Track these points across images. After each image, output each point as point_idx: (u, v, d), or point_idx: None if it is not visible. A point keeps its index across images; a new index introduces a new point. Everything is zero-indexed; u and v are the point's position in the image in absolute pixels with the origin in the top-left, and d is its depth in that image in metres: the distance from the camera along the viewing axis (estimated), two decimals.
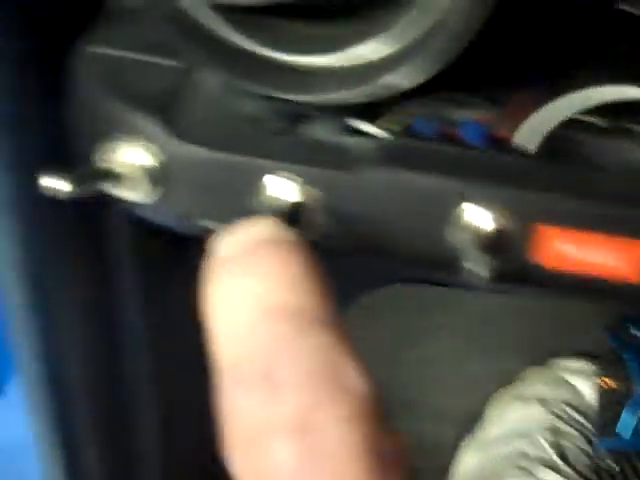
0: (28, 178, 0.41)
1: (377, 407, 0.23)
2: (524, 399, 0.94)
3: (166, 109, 0.37)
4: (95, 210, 0.48)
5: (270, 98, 0.35)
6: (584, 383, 0.96)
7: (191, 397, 0.74)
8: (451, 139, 0.39)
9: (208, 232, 0.38)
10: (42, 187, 0.36)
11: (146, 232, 0.52)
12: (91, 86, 0.38)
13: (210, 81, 0.38)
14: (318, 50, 0.34)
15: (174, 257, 0.58)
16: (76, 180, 0.34)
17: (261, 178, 0.35)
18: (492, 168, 0.35)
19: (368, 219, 0.35)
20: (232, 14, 0.34)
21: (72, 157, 0.42)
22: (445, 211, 0.34)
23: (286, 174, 0.35)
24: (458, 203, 0.34)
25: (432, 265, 0.37)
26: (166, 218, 0.38)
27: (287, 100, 0.35)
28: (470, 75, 0.37)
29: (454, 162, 0.35)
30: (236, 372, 0.24)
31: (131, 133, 0.37)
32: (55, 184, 0.34)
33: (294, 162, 0.35)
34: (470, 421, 1.03)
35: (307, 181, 0.35)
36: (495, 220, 0.34)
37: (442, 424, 1.05)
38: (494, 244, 0.34)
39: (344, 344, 0.24)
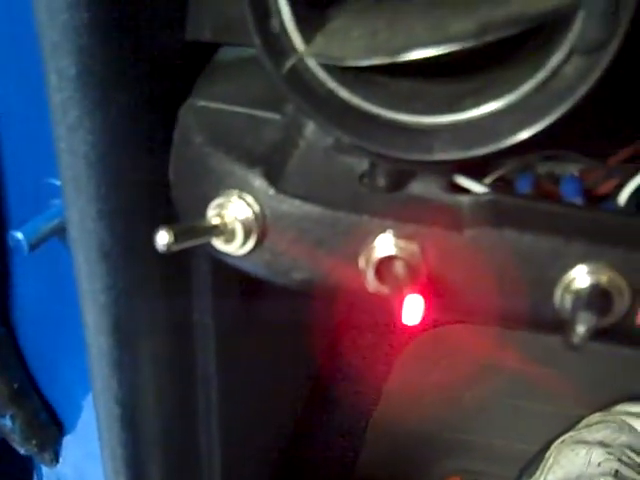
0: (124, 226, 0.42)
1: None
2: (587, 443, 0.93)
3: (268, 162, 0.37)
4: (180, 260, 0.48)
5: (375, 154, 0.35)
6: None
7: (253, 442, 0.74)
8: (551, 196, 0.39)
9: (298, 283, 0.38)
10: (144, 238, 0.36)
11: (226, 283, 0.53)
12: (197, 139, 0.38)
13: (315, 136, 0.38)
14: (433, 110, 0.34)
15: (248, 310, 0.59)
16: (179, 233, 0.34)
17: (364, 235, 0.35)
18: (604, 229, 0.34)
19: (472, 278, 0.35)
20: (344, 72, 0.34)
21: (173, 207, 0.42)
22: (557, 272, 0.34)
23: (390, 231, 0.35)
24: (571, 265, 0.34)
25: (536, 324, 0.36)
26: (258, 268, 0.38)
27: (392, 157, 0.35)
28: (569, 130, 0.37)
29: (566, 223, 0.34)
30: None
31: (232, 185, 0.37)
32: (159, 237, 0.34)
33: (398, 220, 0.35)
34: (528, 463, 1.02)
35: (410, 238, 0.35)
36: (606, 282, 0.34)
37: (499, 465, 1.04)
38: (602, 306, 0.34)
39: None
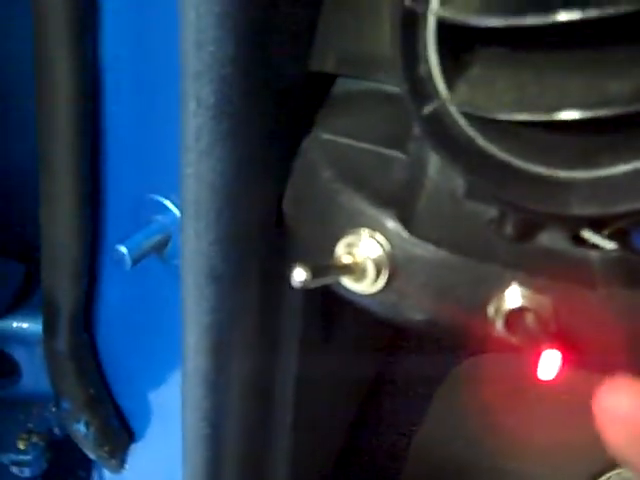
0: (236, 253, 0.42)
1: None
2: None
3: (398, 203, 0.37)
4: (275, 288, 0.48)
5: (510, 205, 0.35)
6: None
7: (315, 460, 0.75)
8: None
9: (423, 326, 0.38)
10: (251, 265, 0.37)
11: (312, 311, 0.53)
12: (325, 173, 0.39)
13: (439, 176, 0.38)
14: (569, 164, 0.34)
15: (327, 341, 0.59)
16: (314, 271, 0.35)
17: (495, 284, 0.35)
18: None
19: (604, 335, 0.35)
20: (482, 120, 0.34)
21: (279, 236, 0.43)
22: None
23: (522, 282, 0.35)
24: None
25: None
26: (383, 308, 0.39)
27: (528, 208, 0.35)
28: None
29: None
30: None
31: (363, 224, 0.37)
32: (296, 274, 0.34)
33: (531, 272, 0.35)
34: None
35: (542, 290, 0.35)
36: None
37: None
38: None
39: None
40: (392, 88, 0.43)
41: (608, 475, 0.95)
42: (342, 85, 0.44)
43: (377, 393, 1.06)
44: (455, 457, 1.04)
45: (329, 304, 0.54)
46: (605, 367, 0.35)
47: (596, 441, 0.90)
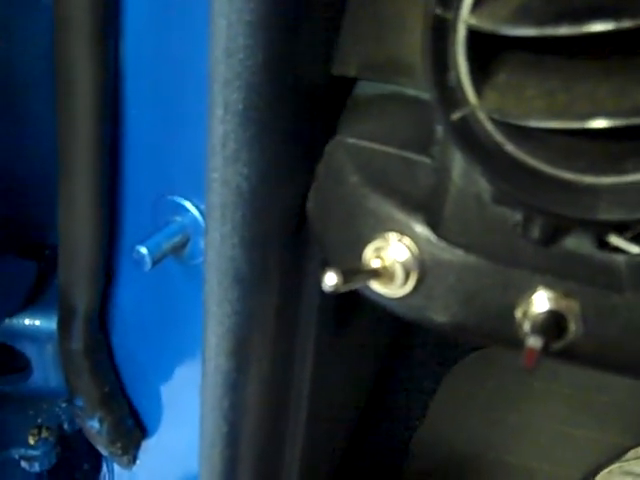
0: (260, 255, 0.43)
1: None
2: (635, 475, 0.93)
3: (426, 207, 0.38)
4: (293, 291, 0.49)
5: (537, 209, 0.36)
6: None
7: (326, 453, 0.75)
8: None
9: (450, 329, 0.38)
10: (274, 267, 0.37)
11: (327, 317, 0.54)
12: (352, 178, 0.39)
13: (463, 180, 0.38)
14: (595, 169, 0.35)
15: (338, 340, 0.60)
16: (345, 275, 0.35)
17: (523, 288, 0.36)
18: None
19: (627, 337, 0.36)
20: (509, 126, 0.35)
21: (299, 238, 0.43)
22: None
23: (550, 286, 0.35)
24: None
25: None
26: (411, 312, 0.39)
27: (555, 213, 0.36)
28: None
29: None
30: None
31: (391, 229, 0.38)
32: (327, 278, 0.34)
33: (558, 276, 0.35)
34: None
35: (570, 294, 0.35)
36: None
37: None
38: None
39: None
40: (414, 92, 0.43)
41: (610, 468, 0.96)
42: (364, 89, 0.44)
43: (382, 388, 1.07)
44: (459, 450, 1.05)
45: (342, 303, 0.55)
46: (625, 367, 0.35)
47: (598, 435, 0.90)
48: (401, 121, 0.41)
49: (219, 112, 0.38)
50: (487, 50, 0.36)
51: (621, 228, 0.38)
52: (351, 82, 0.46)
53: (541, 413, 1.06)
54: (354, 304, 0.58)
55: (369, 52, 0.43)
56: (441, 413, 1.07)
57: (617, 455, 0.97)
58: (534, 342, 0.32)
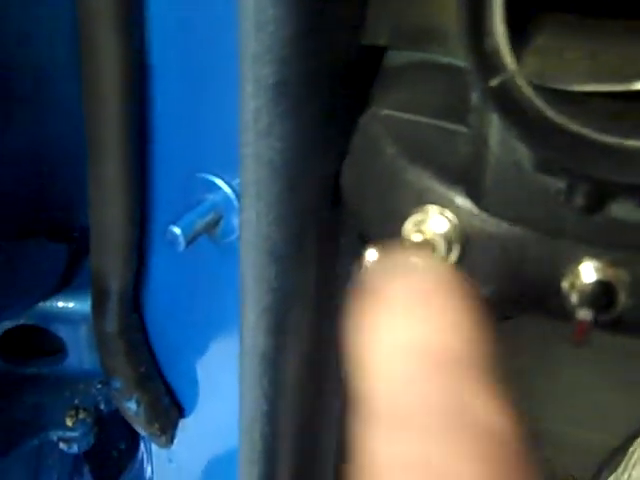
0: (297, 231, 0.42)
1: (510, 447, 0.22)
2: None
3: (466, 178, 0.37)
4: (332, 267, 0.48)
5: (583, 176, 0.35)
6: None
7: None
8: None
9: (495, 299, 0.38)
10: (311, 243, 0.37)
11: None
12: (389, 150, 0.38)
13: (501, 149, 0.37)
14: None
15: None
16: (387, 250, 0.34)
17: (570, 259, 0.35)
18: None
19: None
20: (549, 90, 0.34)
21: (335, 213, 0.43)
22: None
23: (598, 256, 0.35)
24: None
25: None
26: None
27: (602, 179, 0.35)
28: None
29: None
30: (371, 406, 0.24)
31: (431, 201, 0.37)
32: (368, 254, 0.34)
33: (606, 245, 0.35)
34: (609, 458, 1.02)
35: (619, 264, 0.35)
36: None
37: (575, 455, 1.04)
38: None
39: (481, 385, 0.24)
40: (446, 59, 0.42)
41: None
42: (395, 58, 0.44)
43: None
44: None
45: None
46: None
47: (631, 400, 0.90)
48: (435, 90, 0.40)
49: (249, 87, 0.37)
50: (526, 13, 0.35)
51: None
52: (381, 52, 0.45)
53: (574, 380, 1.05)
54: None
55: (400, 20, 0.42)
56: None
57: None
58: (584, 315, 0.32)
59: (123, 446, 0.83)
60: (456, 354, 0.24)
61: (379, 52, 0.45)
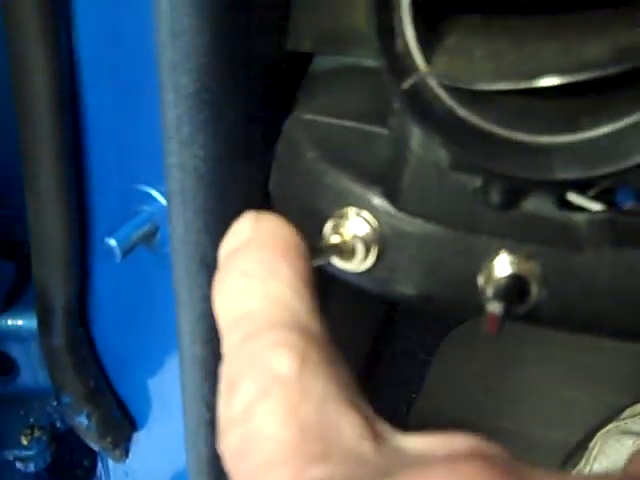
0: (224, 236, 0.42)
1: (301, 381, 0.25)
2: (633, 434, 0.93)
3: (384, 179, 0.38)
4: None
5: (494, 173, 0.35)
6: None
7: None
8: None
9: (415, 300, 0.38)
10: None
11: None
12: (309, 154, 0.39)
13: (422, 149, 0.38)
14: (550, 129, 0.34)
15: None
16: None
17: (484, 254, 0.36)
18: None
19: (589, 296, 0.35)
20: (460, 90, 0.35)
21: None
22: None
23: (511, 250, 0.35)
24: None
25: None
26: (375, 285, 0.39)
27: (512, 176, 0.35)
28: None
29: None
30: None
31: (350, 203, 0.37)
32: None
33: (518, 239, 0.35)
34: (572, 452, 1.03)
35: (531, 257, 0.35)
36: None
37: (539, 453, 1.05)
38: None
39: (276, 339, 0.26)
40: (371, 62, 0.43)
41: (607, 428, 0.96)
42: (320, 63, 0.44)
43: (376, 362, 1.07)
44: (457, 420, 1.05)
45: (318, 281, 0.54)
46: (587, 325, 0.35)
47: (594, 396, 0.90)
48: (358, 93, 0.41)
49: (170, 97, 0.37)
50: (435, 14, 0.35)
51: (584, 186, 0.38)
52: (308, 57, 0.45)
53: (535, 378, 1.06)
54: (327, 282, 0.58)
55: (322, 25, 0.43)
56: (438, 384, 1.07)
57: (614, 415, 0.97)
58: (494, 307, 0.32)
59: (87, 463, 0.82)
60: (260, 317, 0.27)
61: (307, 57, 0.45)
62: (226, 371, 0.27)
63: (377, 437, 0.25)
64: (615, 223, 0.35)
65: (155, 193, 0.50)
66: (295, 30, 0.43)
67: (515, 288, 0.34)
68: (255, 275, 0.28)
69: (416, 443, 0.26)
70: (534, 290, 0.35)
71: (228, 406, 0.26)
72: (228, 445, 0.25)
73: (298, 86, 0.44)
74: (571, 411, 1.05)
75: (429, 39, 0.35)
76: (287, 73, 0.43)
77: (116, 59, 0.48)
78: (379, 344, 1.06)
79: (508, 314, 0.33)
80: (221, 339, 0.28)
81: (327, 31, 0.43)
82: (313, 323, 0.27)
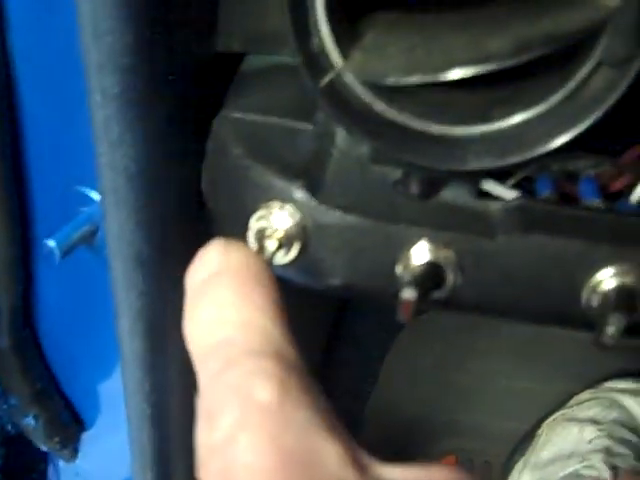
0: (160, 236, 0.43)
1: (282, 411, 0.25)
2: (578, 421, 0.95)
3: (307, 173, 0.39)
4: None
5: (411, 165, 0.37)
6: (636, 403, 0.97)
7: None
8: (570, 196, 0.41)
9: (338, 290, 0.39)
10: (177, 245, 0.38)
11: None
12: (235, 151, 0.40)
13: (346, 144, 0.39)
14: (464, 120, 0.36)
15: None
16: None
17: (402, 243, 0.37)
18: (627, 231, 0.36)
19: (502, 282, 0.37)
20: (379, 87, 0.36)
21: (203, 215, 0.44)
22: (584, 275, 0.36)
23: (427, 238, 0.37)
24: (597, 267, 0.36)
25: (564, 324, 0.38)
26: (300, 276, 0.40)
27: (427, 167, 0.37)
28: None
29: (590, 227, 0.36)
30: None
31: (273, 197, 0.39)
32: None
33: (434, 227, 0.37)
34: (521, 441, 1.05)
35: (446, 245, 0.37)
36: (631, 283, 0.36)
37: (493, 444, 1.06)
38: (629, 306, 0.36)
39: (255, 367, 0.27)
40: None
41: (554, 416, 0.98)
42: (250, 63, 0.45)
43: (329, 360, 1.08)
44: (412, 415, 1.07)
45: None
46: (505, 311, 0.37)
47: (544, 387, 0.92)
48: (286, 91, 0.42)
49: (97, 97, 0.38)
50: (354, 12, 0.37)
51: (503, 175, 0.40)
52: (240, 57, 0.46)
53: (487, 370, 1.07)
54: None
55: (251, 25, 0.44)
56: (391, 380, 1.08)
57: (561, 403, 0.99)
58: (407, 294, 0.34)
59: (37, 465, 0.82)
60: (240, 344, 0.28)
61: (239, 56, 0.46)
62: (205, 400, 0.27)
63: (359, 466, 0.25)
64: (526, 210, 0.37)
65: (94, 194, 0.50)
66: (225, 31, 0.44)
67: (430, 275, 0.35)
68: (230, 304, 0.28)
69: (395, 473, 0.26)
70: (450, 277, 0.36)
71: (208, 436, 0.26)
72: (208, 475, 0.25)
73: (229, 86, 0.45)
74: (523, 401, 1.07)
75: (346, 37, 0.36)
76: (219, 73, 0.44)
77: (49, 61, 0.48)
78: (331, 342, 1.07)
79: (424, 300, 0.34)
80: (195, 369, 0.28)
81: (256, 31, 0.44)
82: (289, 349, 0.28)
